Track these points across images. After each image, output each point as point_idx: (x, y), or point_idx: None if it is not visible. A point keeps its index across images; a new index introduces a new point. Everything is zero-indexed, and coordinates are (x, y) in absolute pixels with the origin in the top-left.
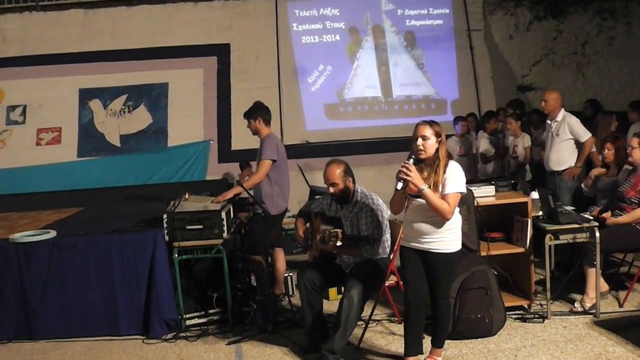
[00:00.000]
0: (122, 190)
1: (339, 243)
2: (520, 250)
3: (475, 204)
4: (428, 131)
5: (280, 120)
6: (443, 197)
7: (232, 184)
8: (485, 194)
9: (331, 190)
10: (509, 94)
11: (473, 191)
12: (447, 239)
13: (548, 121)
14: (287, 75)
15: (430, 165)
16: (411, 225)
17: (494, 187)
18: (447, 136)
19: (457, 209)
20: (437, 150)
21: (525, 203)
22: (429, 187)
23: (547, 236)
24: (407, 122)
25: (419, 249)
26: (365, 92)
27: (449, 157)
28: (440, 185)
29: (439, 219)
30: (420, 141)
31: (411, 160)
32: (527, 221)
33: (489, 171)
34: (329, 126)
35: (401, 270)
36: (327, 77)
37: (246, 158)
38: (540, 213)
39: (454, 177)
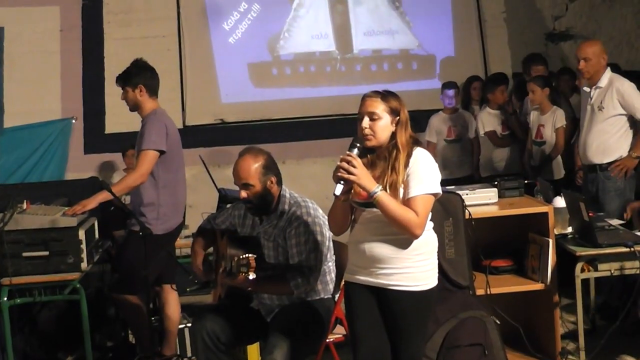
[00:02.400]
0: None
1: (252, 275)
2: (538, 286)
3: (467, 216)
4: (379, 107)
5: (182, 89)
6: (407, 202)
7: (108, 185)
8: (483, 200)
9: (243, 194)
10: (533, 46)
11: (463, 196)
12: (417, 268)
13: (585, 88)
14: (192, 18)
15: (385, 158)
16: (360, 248)
17: (496, 189)
18: (432, 112)
19: (431, 224)
20: (393, 135)
21: (545, 215)
22: (384, 189)
23: (579, 265)
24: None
25: (372, 285)
26: (311, 45)
27: (415, 143)
28: (402, 186)
29: (402, 238)
30: (366, 122)
31: (355, 151)
32: (549, 242)
33: (497, 163)
34: (256, 97)
35: (348, 319)
36: (253, 22)
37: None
38: (569, 230)
39: (423, 172)
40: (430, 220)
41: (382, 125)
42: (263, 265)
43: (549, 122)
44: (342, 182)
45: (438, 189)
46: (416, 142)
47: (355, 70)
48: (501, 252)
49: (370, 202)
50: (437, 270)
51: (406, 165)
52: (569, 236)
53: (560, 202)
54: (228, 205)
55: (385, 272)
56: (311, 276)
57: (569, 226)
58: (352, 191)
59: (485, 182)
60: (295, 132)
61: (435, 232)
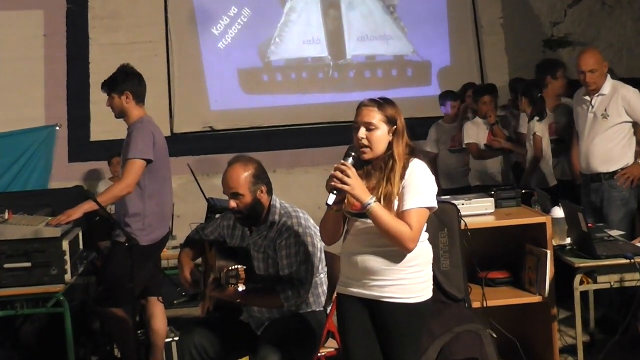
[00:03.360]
0: None
1: (241, 287)
2: (536, 299)
3: (463, 227)
4: (376, 117)
5: (170, 96)
6: (401, 215)
7: (93, 195)
8: (479, 210)
9: (232, 204)
10: (531, 52)
11: (458, 206)
12: (410, 281)
13: (585, 97)
14: (180, 23)
15: (381, 169)
16: (353, 260)
17: (492, 199)
18: (428, 120)
19: (426, 235)
20: (390, 146)
21: (543, 225)
22: (379, 200)
23: (578, 277)
24: (368, 97)
25: (365, 297)
26: (303, 51)
27: (411, 153)
28: (397, 198)
29: (395, 251)
30: (363, 132)
31: (350, 160)
32: (547, 254)
33: (491, 171)
34: (246, 104)
35: (341, 332)
36: (244, 27)
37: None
38: (568, 241)
39: (419, 184)
40: (426, 231)
41: (379, 136)
42: (253, 277)
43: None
44: (335, 192)
45: (434, 203)
46: (413, 152)
47: (348, 77)
48: (498, 263)
49: (364, 213)
50: (432, 283)
51: (402, 177)
52: (568, 247)
53: (558, 212)
54: (217, 216)
55: (378, 284)
56: (302, 289)
57: (567, 237)
58: (346, 201)
59: (476, 192)
60: (286, 140)
61: (430, 243)
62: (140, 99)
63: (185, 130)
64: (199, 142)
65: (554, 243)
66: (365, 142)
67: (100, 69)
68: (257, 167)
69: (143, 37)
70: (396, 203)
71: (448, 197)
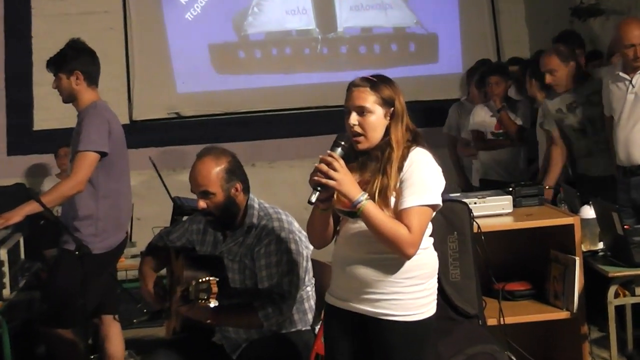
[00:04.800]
0: None
1: (213, 303)
2: (563, 315)
3: (476, 229)
4: (369, 98)
5: (128, 76)
6: (399, 214)
7: (37, 193)
8: (495, 210)
9: (202, 204)
10: (556, 23)
11: (470, 205)
12: (408, 295)
13: (620, 73)
14: None
15: (377, 158)
16: (342, 267)
17: (510, 197)
18: (433, 103)
19: (430, 240)
20: (387, 131)
21: (571, 227)
22: (372, 197)
23: (612, 288)
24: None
25: (358, 312)
26: (286, 23)
27: (414, 139)
28: (393, 194)
29: (392, 259)
30: (354, 118)
31: (338, 150)
32: (575, 261)
33: (505, 164)
34: (219, 85)
35: (327, 351)
36: None
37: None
38: (600, 246)
39: (420, 177)
40: (430, 235)
41: (373, 121)
42: (227, 290)
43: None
44: (319, 188)
45: (437, 200)
46: (415, 138)
47: (339, 53)
48: (517, 273)
49: (354, 212)
50: (435, 297)
51: (400, 168)
52: (600, 254)
53: (588, 212)
54: (184, 218)
55: (370, 297)
56: (284, 304)
57: (599, 241)
58: (334, 199)
59: (482, 187)
60: (267, 128)
61: (437, 249)
62: (92, 79)
63: (147, 117)
64: (162, 130)
65: (584, 248)
66: (358, 129)
67: (45, 44)
68: (231, 161)
69: (96, 6)
70: (393, 200)
71: (458, 194)
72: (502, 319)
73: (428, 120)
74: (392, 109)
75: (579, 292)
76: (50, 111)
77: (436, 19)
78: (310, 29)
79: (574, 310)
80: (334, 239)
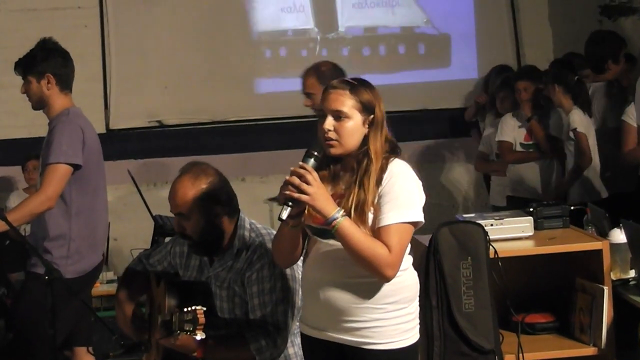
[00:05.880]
0: None
1: (200, 335)
2: (590, 351)
3: (492, 255)
4: (347, 102)
5: (104, 80)
6: (377, 232)
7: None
8: (514, 233)
9: (178, 227)
10: (583, 22)
11: (486, 228)
12: (390, 321)
13: None
14: None
15: (353, 170)
16: (314, 292)
17: (531, 219)
18: (445, 111)
19: (409, 259)
20: (365, 141)
21: (599, 253)
22: (348, 213)
23: None
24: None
25: (336, 341)
26: (281, 21)
27: (392, 151)
28: (371, 210)
29: (370, 283)
30: (330, 122)
31: (310, 162)
32: (603, 290)
33: (535, 180)
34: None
35: None
36: None
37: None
38: (632, 274)
39: (400, 192)
40: (409, 254)
41: (350, 127)
42: (214, 321)
43: (566, 128)
44: (290, 203)
45: (419, 216)
46: (394, 150)
47: (341, 55)
48: (538, 303)
49: (328, 231)
50: (418, 322)
51: (379, 181)
52: (632, 282)
53: (619, 235)
54: (167, 239)
55: (349, 325)
56: (279, 336)
57: (631, 269)
58: (305, 214)
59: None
60: (259, 138)
61: (450, 276)
62: (65, 83)
63: (125, 126)
64: (143, 141)
65: (613, 276)
66: (332, 134)
67: (12, 43)
68: (213, 181)
69: (68, 1)
70: (370, 216)
71: (472, 215)
72: (521, 355)
73: (438, 132)
74: (372, 116)
75: (607, 325)
76: (17, 118)
77: (449, 17)
78: (308, 28)
79: (602, 346)
80: (302, 258)
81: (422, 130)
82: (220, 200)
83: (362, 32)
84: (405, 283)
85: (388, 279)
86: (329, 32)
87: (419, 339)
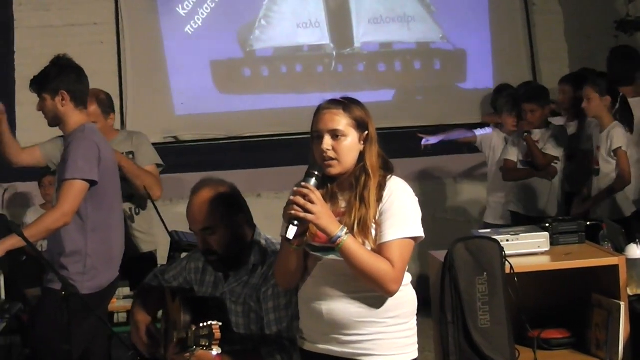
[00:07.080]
0: None
1: (216, 350)
2: None
3: (508, 270)
4: (342, 121)
5: (121, 97)
6: (380, 248)
7: (18, 226)
8: (530, 248)
9: (204, 245)
10: (599, 38)
11: (502, 243)
12: (392, 335)
13: None
14: (136, 1)
15: (351, 186)
16: (316, 309)
17: (547, 234)
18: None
19: (409, 277)
20: (361, 156)
21: (615, 268)
22: (351, 229)
23: None
24: (382, 98)
25: (337, 355)
26: (297, 37)
27: (385, 167)
28: (373, 226)
29: (372, 297)
30: (328, 142)
31: (312, 181)
32: (620, 306)
33: (529, 197)
34: (222, 106)
35: None
36: (219, 6)
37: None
38: None
39: (401, 209)
40: (407, 271)
41: (348, 146)
42: (230, 336)
43: (604, 143)
44: (296, 222)
45: (419, 231)
46: (387, 166)
47: (356, 71)
48: (554, 319)
49: (331, 247)
50: (416, 339)
51: (379, 198)
52: None
53: (635, 251)
54: (182, 255)
55: (351, 339)
56: (295, 352)
57: None
58: (308, 234)
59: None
60: (274, 154)
61: (466, 291)
62: (80, 100)
63: None
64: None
65: (630, 292)
66: (331, 154)
67: (29, 60)
68: (230, 191)
69: (84, 17)
70: (373, 231)
71: (487, 230)
72: None
73: (454, 147)
74: (366, 132)
75: (624, 341)
76: (34, 134)
77: (464, 33)
78: (324, 44)
79: None
80: (301, 278)
81: (438, 146)
82: (242, 208)
83: (378, 48)
84: (406, 298)
85: (392, 294)
86: (345, 48)
87: (434, 355)
